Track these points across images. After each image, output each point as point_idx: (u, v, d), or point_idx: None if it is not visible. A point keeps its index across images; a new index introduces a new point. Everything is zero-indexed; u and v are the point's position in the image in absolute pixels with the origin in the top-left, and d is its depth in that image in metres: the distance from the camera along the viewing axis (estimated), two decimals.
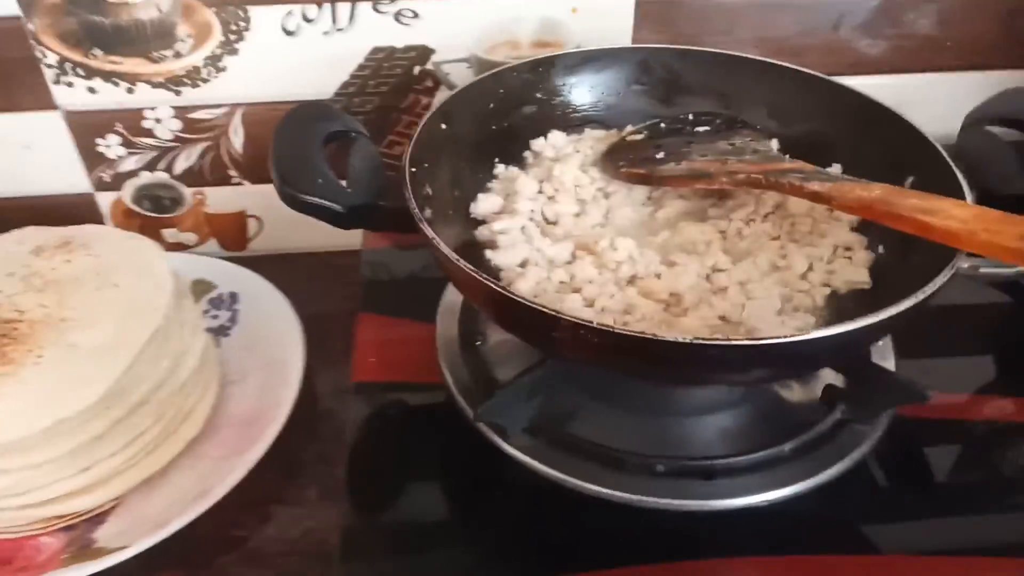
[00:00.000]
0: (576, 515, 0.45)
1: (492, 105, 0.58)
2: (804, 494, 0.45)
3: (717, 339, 0.35)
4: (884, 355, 0.52)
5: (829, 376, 0.50)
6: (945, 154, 0.48)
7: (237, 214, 0.76)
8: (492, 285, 0.38)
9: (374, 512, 0.46)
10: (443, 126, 0.54)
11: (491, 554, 0.44)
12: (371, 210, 0.45)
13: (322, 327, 0.64)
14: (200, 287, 0.70)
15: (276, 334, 0.64)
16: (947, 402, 0.52)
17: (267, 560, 0.52)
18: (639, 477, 0.45)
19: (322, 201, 0.43)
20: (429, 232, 0.42)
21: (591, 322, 0.36)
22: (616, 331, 0.36)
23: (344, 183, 0.47)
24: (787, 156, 0.56)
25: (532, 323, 0.39)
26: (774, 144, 0.58)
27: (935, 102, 0.67)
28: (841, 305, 0.48)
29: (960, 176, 0.46)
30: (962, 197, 0.45)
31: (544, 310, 0.37)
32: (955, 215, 0.41)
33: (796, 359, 0.37)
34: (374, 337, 0.56)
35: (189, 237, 0.77)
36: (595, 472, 0.45)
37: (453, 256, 0.40)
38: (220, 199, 0.75)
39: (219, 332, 0.66)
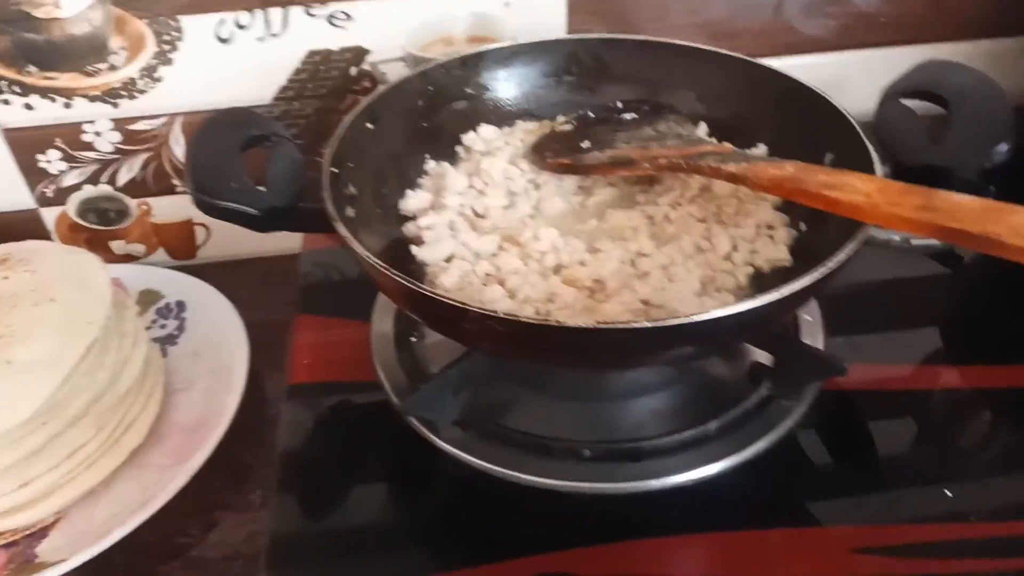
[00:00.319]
0: (509, 504, 0.46)
1: (421, 102, 0.58)
2: (731, 471, 0.45)
3: (614, 323, 0.35)
4: (814, 332, 0.53)
5: (758, 355, 0.51)
6: (859, 129, 0.48)
7: (184, 223, 0.76)
8: (400, 279, 0.39)
9: (304, 515, 0.47)
10: (369, 125, 0.54)
11: (425, 548, 0.45)
12: (290, 212, 0.46)
13: (271, 332, 0.64)
14: (147, 297, 0.70)
15: (222, 341, 0.64)
16: (882, 374, 0.53)
17: (210, 566, 0.52)
18: (567, 463, 0.45)
19: (236, 206, 0.44)
20: (343, 230, 0.42)
21: (495, 312, 0.36)
22: (520, 320, 0.36)
23: (264, 187, 0.47)
24: (714, 139, 0.57)
25: (443, 316, 0.40)
26: (703, 128, 0.58)
27: (871, 78, 0.67)
28: (763, 284, 0.48)
29: (871, 150, 0.46)
30: (873, 171, 0.45)
31: (450, 302, 0.37)
32: (859, 189, 0.41)
33: (699, 337, 0.38)
34: (311, 338, 0.57)
35: (137, 248, 0.77)
36: (524, 461, 0.46)
37: (363, 252, 0.40)
38: (166, 209, 0.75)
39: (166, 341, 0.66)
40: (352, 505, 0.47)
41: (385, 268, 0.39)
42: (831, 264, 0.39)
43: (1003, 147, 0.43)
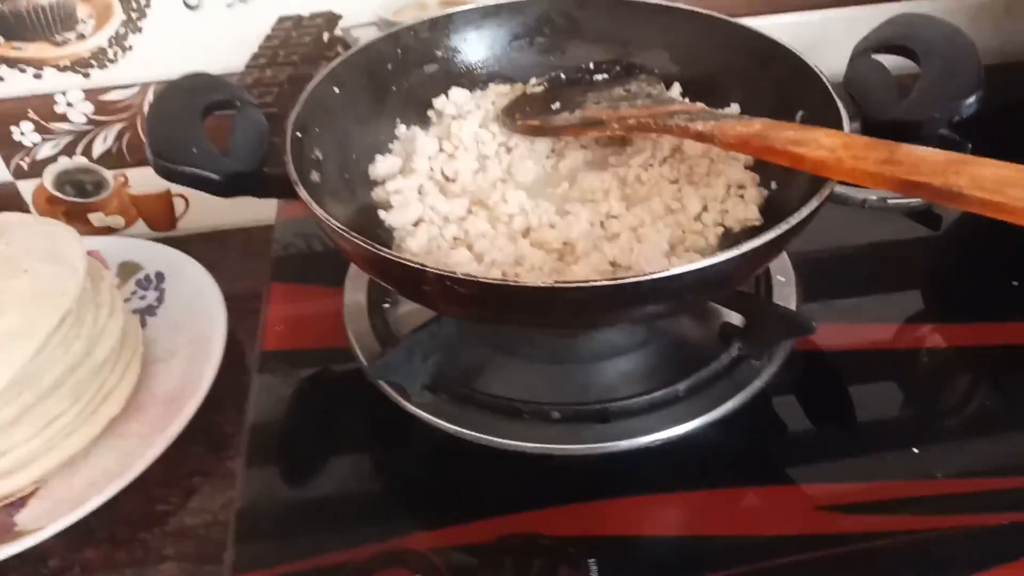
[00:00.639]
0: (479, 467, 0.46)
1: (390, 66, 0.58)
2: (700, 431, 0.45)
3: (571, 281, 0.35)
4: (786, 293, 0.53)
5: (728, 315, 0.50)
6: (830, 86, 0.48)
7: (162, 194, 0.76)
8: (357, 241, 0.38)
9: (275, 482, 0.47)
10: (336, 89, 0.53)
11: (396, 512, 0.45)
12: (253, 177, 0.45)
13: (251, 302, 0.64)
14: (127, 269, 0.70)
15: (201, 311, 0.64)
16: (853, 334, 0.53)
17: (190, 532, 0.52)
18: (536, 425, 0.45)
19: (196, 171, 0.43)
20: (303, 194, 0.42)
21: (453, 272, 0.36)
22: (478, 280, 0.36)
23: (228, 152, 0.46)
24: (686, 99, 0.56)
25: (402, 278, 0.39)
26: (676, 89, 0.58)
27: (854, 37, 0.66)
28: (733, 244, 0.48)
29: (840, 106, 0.45)
30: (842, 128, 0.45)
31: (407, 263, 0.37)
32: (824, 144, 0.41)
33: (660, 295, 0.37)
34: (284, 306, 0.57)
35: (116, 220, 0.77)
36: (494, 424, 0.46)
37: (322, 214, 0.40)
38: (143, 180, 0.75)
39: (146, 312, 0.67)
40: (323, 472, 0.47)
41: (343, 230, 0.39)
42: (793, 220, 0.38)
43: (973, 99, 0.43)
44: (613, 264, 0.46)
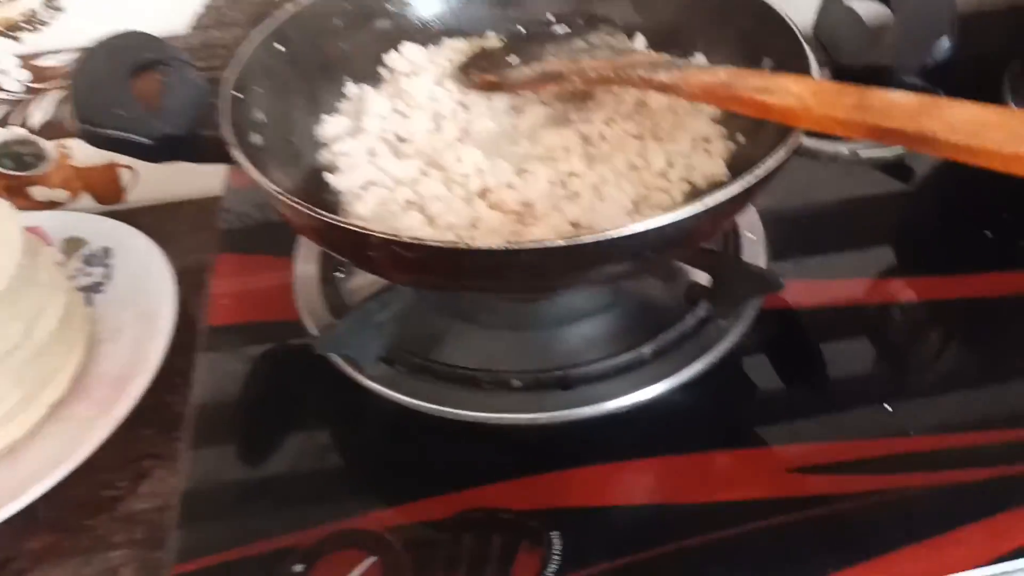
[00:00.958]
0: (438, 440, 0.44)
1: (339, 22, 0.54)
2: (667, 394, 0.43)
3: (523, 243, 0.33)
4: (755, 250, 0.51)
5: (695, 275, 0.49)
6: (798, 31, 0.45)
7: (107, 166, 0.72)
8: (295, 203, 0.36)
9: (223, 462, 0.45)
10: (279, 47, 0.50)
11: (352, 490, 0.43)
12: (187, 141, 0.42)
13: (204, 276, 0.61)
14: (72, 245, 0.67)
15: (150, 287, 0.61)
16: (823, 290, 0.51)
17: (139, 517, 0.50)
18: (496, 394, 0.44)
19: (124, 134, 0.40)
20: (239, 156, 0.39)
21: (398, 236, 0.34)
22: (425, 243, 0.34)
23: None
24: (650, 50, 0.54)
25: (347, 244, 0.37)
26: (640, 40, 0.55)
27: None
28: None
29: (809, 52, 0.43)
30: (808, 74, 0.42)
31: (351, 227, 0.35)
32: (792, 91, 0.39)
33: (620, 254, 0.35)
34: (232, 278, 0.54)
35: (60, 194, 0.73)
36: (453, 395, 0.44)
37: (258, 176, 0.37)
38: (87, 151, 0.71)
39: (92, 290, 0.63)
40: (274, 451, 0.45)
41: (279, 192, 0.36)
42: (759, 172, 0.36)
43: (945, 43, 0.41)
44: (574, 225, 0.44)
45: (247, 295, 0.53)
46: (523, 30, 0.56)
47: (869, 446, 0.42)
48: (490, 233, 0.44)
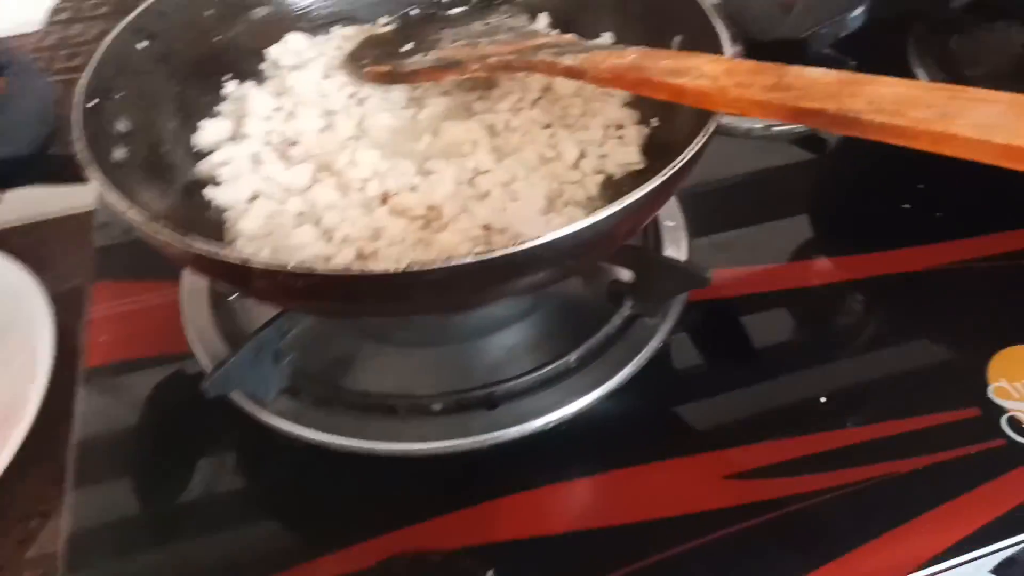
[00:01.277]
0: (353, 478, 0.40)
1: (210, 12, 0.49)
2: (597, 404, 0.41)
3: (426, 264, 0.29)
4: (677, 238, 0.48)
5: (617, 272, 0.46)
6: (705, 7, 0.43)
7: None
8: (159, 233, 0.31)
9: (111, 512, 0.40)
10: (141, 44, 0.45)
11: (257, 541, 0.39)
12: (33, 162, 0.37)
13: (82, 304, 0.55)
14: None
15: (23, 320, 0.55)
16: (750, 277, 0.49)
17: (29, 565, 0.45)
18: (415, 421, 0.40)
19: None
20: (97, 175, 0.34)
21: (283, 266, 0.30)
22: (314, 271, 0.30)
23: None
24: (554, 31, 0.50)
25: (227, 274, 0.32)
26: (543, 20, 0.52)
27: None
28: (616, 191, 0.43)
29: (718, 27, 0.41)
30: (721, 52, 0.40)
31: (226, 259, 0.30)
32: (706, 72, 0.36)
33: (538, 265, 0.32)
34: (111, 308, 0.48)
35: None
36: (366, 425, 0.40)
37: (118, 201, 0.32)
38: None
39: None
40: (167, 501, 0.40)
41: (141, 220, 0.31)
42: (678, 164, 0.33)
43: (858, 12, 0.39)
44: (486, 228, 0.40)
45: (129, 328, 0.47)
46: (415, 12, 0.51)
47: (808, 443, 0.40)
48: (394, 244, 0.40)
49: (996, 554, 0.36)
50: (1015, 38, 0.58)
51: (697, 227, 0.49)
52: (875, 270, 0.48)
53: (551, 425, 0.40)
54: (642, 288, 0.43)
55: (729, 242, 0.50)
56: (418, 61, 0.46)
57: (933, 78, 0.56)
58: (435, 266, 0.30)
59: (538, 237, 0.31)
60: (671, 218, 0.49)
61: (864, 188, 0.55)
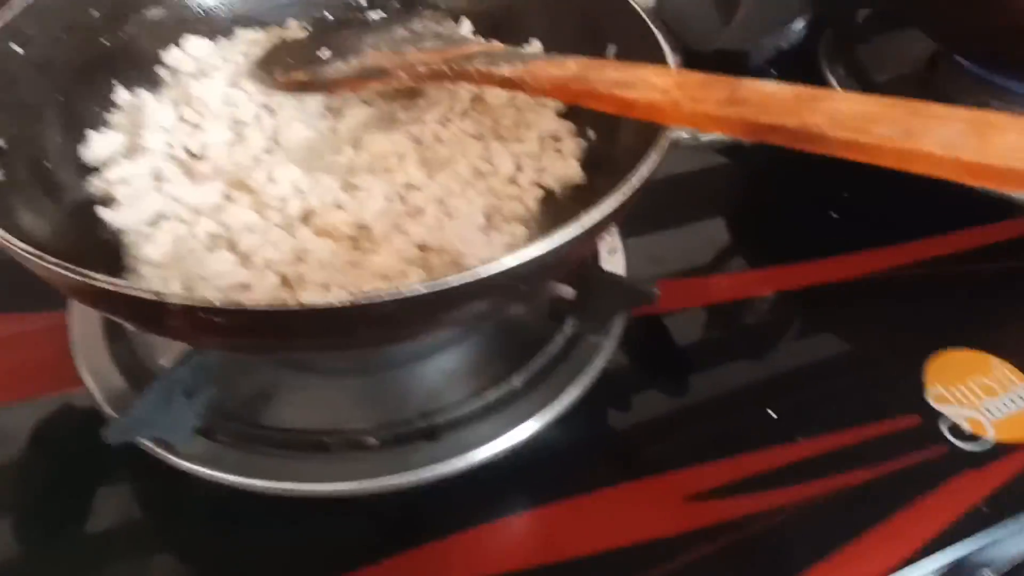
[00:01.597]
0: (281, 525, 0.36)
1: (96, 12, 0.44)
2: (544, 430, 0.38)
3: (369, 296, 0.26)
4: (613, 247, 0.47)
5: (558, 287, 0.44)
6: (643, 14, 0.41)
7: None
8: (50, 266, 0.27)
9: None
10: (17, 49, 0.39)
11: None
12: None
13: None
14: None
15: None
16: (693, 289, 0.48)
17: None
18: (347, 458, 0.36)
19: None
20: None
21: (210, 303, 0.26)
22: (242, 308, 0.26)
23: None
24: (479, 38, 0.48)
25: (133, 311, 0.28)
26: (466, 26, 0.49)
27: None
28: (558, 207, 0.41)
29: (660, 37, 0.39)
30: (665, 62, 0.38)
31: (135, 294, 0.26)
32: (656, 85, 0.34)
33: (488, 293, 0.29)
34: None
35: None
36: (293, 466, 0.36)
37: None
38: None
39: None
40: (68, 561, 0.35)
41: (25, 250, 0.27)
42: (633, 181, 0.32)
43: (799, 24, 0.38)
44: (422, 248, 0.38)
45: (10, 365, 0.41)
46: (331, 16, 0.48)
47: (761, 459, 0.39)
48: (322, 268, 0.36)
49: (945, 560, 0.36)
50: (916, 46, 0.60)
51: (634, 239, 0.48)
52: (812, 279, 0.48)
53: (498, 455, 0.37)
54: (585, 306, 0.41)
55: (666, 254, 0.49)
56: (338, 69, 0.42)
57: (843, 84, 0.57)
58: (384, 298, 0.27)
59: (496, 261, 0.28)
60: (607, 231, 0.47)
61: (793, 198, 0.55)
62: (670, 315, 0.46)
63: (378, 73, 0.41)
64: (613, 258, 0.47)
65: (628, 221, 0.48)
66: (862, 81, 0.57)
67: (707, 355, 0.44)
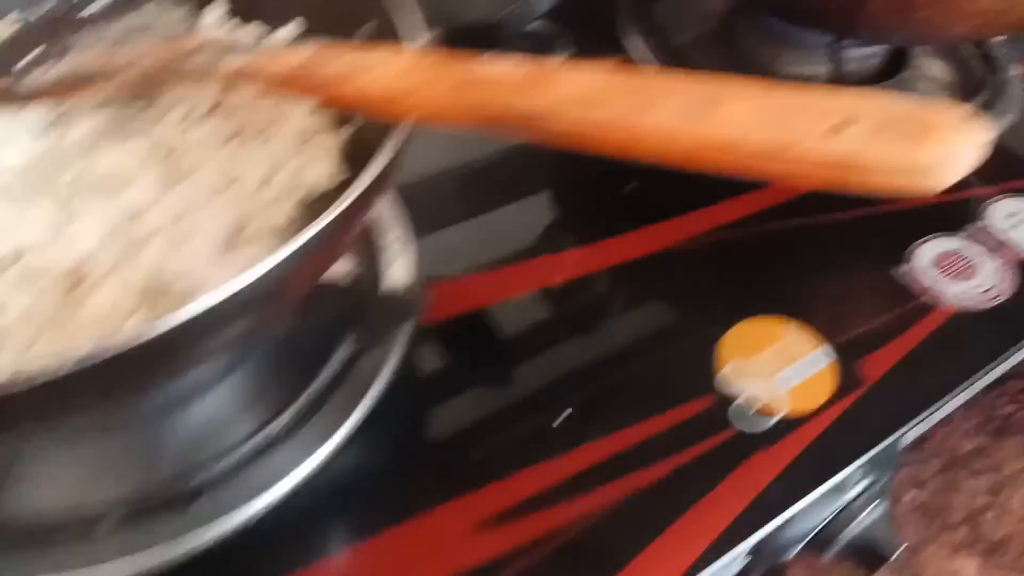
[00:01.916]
0: None
1: None
2: (325, 466, 0.35)
3: (33, 375, 0.21)
4: (402, 250, 0.43)
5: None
6: None
7: None
8: None
9: None
10: None
11: None
12: None
13: None
14: None
15: None
16: (481, 287, 0.44)
17: None
18: (80, 548, 0.31)
19: None
20: None
21: None
22: None
23: None
24: (231, 22, 0.42)
25: None
26: (217, 9, 0.43)
27: None
28: (317, 211, 0.37)
29: (409, 10, 0.35)
30: (410, 41, 0.34)
31: None
32: (388, 72, 0.30)
33: (205, 335, 0.25)
34: None
35: None
36: (21, 564, 0.31)
37: None
38: None
39: None
40: None
41: None
42: (371, 173, 0.28)
43: None
44: (151, 282, 0.33)
45: None
46: (44, 11, 0.41)
47: (560, 466, 0.36)
48: (26, 321, 0.31)
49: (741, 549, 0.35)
50: (711, 6, 0.58)
51: (424, 233, 0.44)
52: (601, 262, 0.45)
53: (273, 506, 0.33)
54: (359, 320, 0.37)
55: (460, 248, 0.45)
56: (36, 79, 0.36)
57: (642, 49, 0.54)
58: (48, 374, 0.22)
59: (209, 294, 0.24)
60: (394, 225, 0.44)
61: (587, 170, 0.52)
62: (463, 318, 0.42)
63: (83, 80, 0.35)
64: (403, 260, 0.43)
65: (418, 217, 0.44)
66: (661, 44, 0.54)
67: (497, 359, 0.41)
